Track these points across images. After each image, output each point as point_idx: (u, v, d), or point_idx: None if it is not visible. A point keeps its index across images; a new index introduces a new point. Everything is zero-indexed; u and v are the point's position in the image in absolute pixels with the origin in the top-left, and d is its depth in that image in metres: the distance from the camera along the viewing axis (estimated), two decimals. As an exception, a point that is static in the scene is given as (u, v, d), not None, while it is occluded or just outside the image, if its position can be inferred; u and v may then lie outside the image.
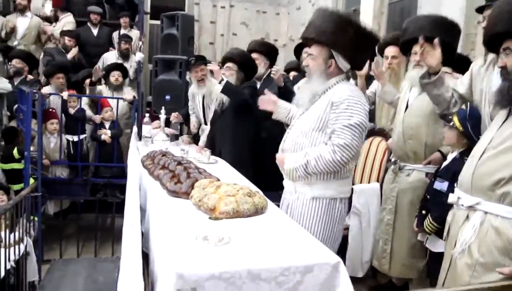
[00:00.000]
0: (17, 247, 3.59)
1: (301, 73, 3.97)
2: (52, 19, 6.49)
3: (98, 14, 6.22)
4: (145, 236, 2.20)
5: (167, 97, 5.09)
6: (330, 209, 2.25)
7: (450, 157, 2.50)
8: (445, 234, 2.14)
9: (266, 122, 3.57)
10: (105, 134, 4.96)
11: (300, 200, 2.28)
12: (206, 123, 3.96)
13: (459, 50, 3.44)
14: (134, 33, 6.31)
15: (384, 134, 3.39)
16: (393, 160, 3.03)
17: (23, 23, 6.07)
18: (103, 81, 5.39)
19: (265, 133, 3.58)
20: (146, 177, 2.69)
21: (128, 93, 5.35)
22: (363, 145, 3.44)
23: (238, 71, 3.64)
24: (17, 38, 6.00)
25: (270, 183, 2.57)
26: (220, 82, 3.39)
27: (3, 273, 3.30)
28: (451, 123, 2.43)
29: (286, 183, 2.39)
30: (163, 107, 4.11)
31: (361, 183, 3.41)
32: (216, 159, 3.33)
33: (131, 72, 5.74)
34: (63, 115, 4.89)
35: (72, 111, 4.90)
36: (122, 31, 6.25)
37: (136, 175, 2.64)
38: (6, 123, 5.18)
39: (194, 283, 1.38)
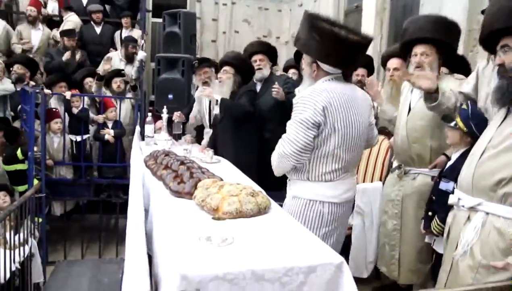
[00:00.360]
0: (21, 248, 3.60)
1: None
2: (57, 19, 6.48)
3: (99, 12, 6.19)
4: (148, 237, 2.20)
5: (170, 96, 5.08)
6: (307, 210, 2.25)
7: (454, 157, 2.48)
8: (445, 235, 2.13)
9: (270, 123, 3.58)
10: (108, 134, 4.97)
11: (288, 197, 2.38)
12: (210, 127, 3.96)
13: (461, 47, 3.44)
14: (136, 33, 6.30)
15: (386, 132, 3.36)
16: (397, 164, 2.99)
17: (36, 37, 6.07)
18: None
19: (269, 134, 3.57)
20: (149, 177, 2.69)
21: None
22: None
23: (235, 75, 3.64)
24: (32, 52, 6.01)
25: (273, 182, 2.57)
26: (216, 104, 3.43)
27: (8, 275, 3.31)
28: (453, 124, 2.39)
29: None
30: (165, 107, 4.11)
31: (364, 182, 3.39)
32: (219, 158, 3.32)
33: (133, 72, 5.73)
34: (66, 115, 4.91)
35: (75, 111, 4.91)
36: (124, 31, 6.23)
37: (139, 175, 2.64)
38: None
39: (198, 284, 1.38)
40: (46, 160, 4.56)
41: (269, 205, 2.05)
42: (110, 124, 5.08)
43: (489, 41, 1.98)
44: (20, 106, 5.02)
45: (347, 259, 2.62)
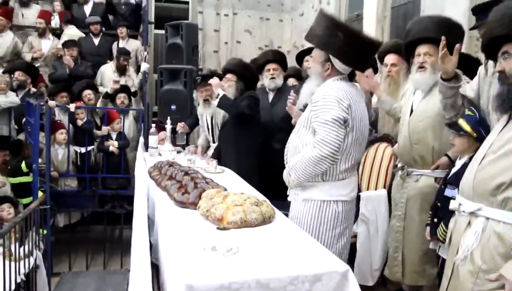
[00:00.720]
0: (27, 260, 3.61)
1: (301, 81, 3.94)
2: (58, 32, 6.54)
3: (97, 24, 6.22)
4: (154, 247, 2.21)
5: (173, 107, 5.11)
6: (323, 211, 2.26)
7: (459, 163, 2.47)
8: (447, 241, 2.12)
9: (280, 134, 3.57)
10: (113, 146, 4.99)
11: (296, 202, 2.35)
12: (214, 141, 3.97)
13: (463, 51, 3.44)
14: (134, 43, 6.32)
15: (390, 139, 3.37)
16: (399, 165, 3.00)
17: (46, 46, 6.15)
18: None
19: (279, 145, 3.56)
20: (154, 188, 2.70)
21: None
22: (368, 151, 3.46)
23: (237, 82, 3.65)
24: (39, 60, 6.07)
25: (277, 191, 2.57)
26: (217, 97, 3.41)
27: (13, 287, 3.31)
28: (460, 130, 2.39)
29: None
30: (169, 117, 4.13)
31: (368, 189, 3.39)
32: (223, 168, 3.33)
33: (129, 84, 5.75)
34: (71, 126, 4.94)
35: (80, 123, 4.94)
36: (121, 42, 6.23)
37: (144, 186, 2.65)
38: (14, 137, 5.23)
39: (204, 294, 1.38)
40: (50, 172, 4.58)
41: (273, 214, 2.06)
42: (114, 136, 5.10)
43: (491, 48, 2.00)
44: (24, 119, 5.06)
45: (352, 266, 2.61)
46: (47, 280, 4.02)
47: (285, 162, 2.42)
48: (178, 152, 4.07)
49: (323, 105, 2.15)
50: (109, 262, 4.75)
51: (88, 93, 5.29)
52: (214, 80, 3.53)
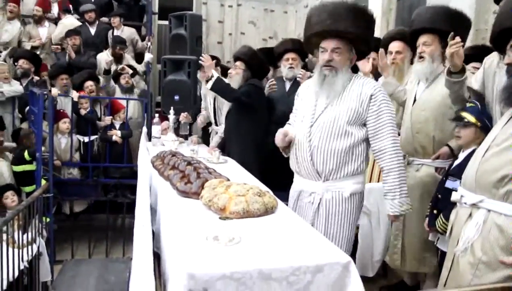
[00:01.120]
0: (30, 247, 3.63)
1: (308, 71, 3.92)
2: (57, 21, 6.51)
3: (91, 12, 6.15)
4: (156, 236, 2.22)
5: (176, 97, 5.10)
6: (350, 203, 2.30)
7: (462, 155, 2.47)
8: (447, 232, 2.13)
9: (270, 125, 3.55)
10: (116, 135, 4.99)
11: (336, 198, 2.29)
12: (217, 124, 3.96)
13: (469, 44, 3.42)
14: (129, 31, 6.26)
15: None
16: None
17: (43, 33, 6.13)
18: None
19: (269, 137, 3.55)
20: (156, 177, 2.70)
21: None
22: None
23: (245, 70, 3.63)
24: (39, 49, 6.05)
25: (280, 182, 2.57)
26: (210, 78, 3.35)
27: (16, 274, 3.34)
28: (465, 121, 2.39)
29: (309, 183, 2.33)
30: (172, 108, 4.13)
31: (370, 182, 3.39)
32: (225, 158, 3.33)
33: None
34: (74, 116, 4.94)
35: (83, 112, 4.94)
36: (116, 30, 6.16)
37: (146, 175, 2.65)
38: (17, 125, 5.24)
39: (205, 283, 1.39)
40: (54, 161, 4.59)
41: (276, 205, 2.06)
42: (117, 125, 5.11)
43: (499, 40, 1.99)
44: (28, 107, 5.06)
45: (353, 258, 2.62)
46: (49, 267, 4.05)
47: (308, 163, 2.29)
48: (181, 143, 4.08)
49: (387, 105, 2.24)
50: (111, 250, 4.78)
51: (90, 84, 5.24)
52: (207, 61, 3.48)
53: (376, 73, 3.39)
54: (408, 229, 2.88)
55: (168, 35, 5.74)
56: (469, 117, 2.35)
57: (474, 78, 2.46)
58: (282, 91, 3.80)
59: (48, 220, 4.36)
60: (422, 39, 2.72)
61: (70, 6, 6.48)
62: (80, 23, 6.22)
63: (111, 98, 5.20)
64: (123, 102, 5.20)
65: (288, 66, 3.77)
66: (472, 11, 3.71)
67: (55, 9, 6.54)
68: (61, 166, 4.88)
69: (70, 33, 5.79)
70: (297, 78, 3.59)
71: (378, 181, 3.35)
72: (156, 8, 7.11)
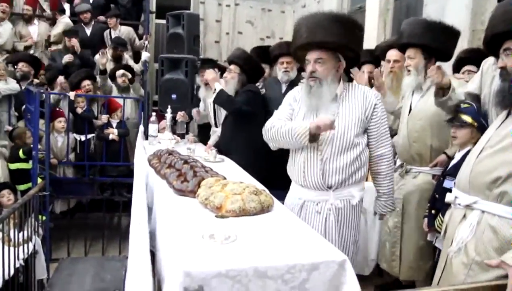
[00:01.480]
0: (25, 245, 3.63)
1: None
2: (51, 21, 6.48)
3: (87, 12, 6.14)
4: (152, 235, 2.21)
5: (173, 96, 5.11)
6: (357, 211, 2.33)
7: (458, 155, 2.49)
8: (442, 233, 2.14)
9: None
10: (113, 134, 4.99)
11: (347, 206, 2.26)
12: (216, 126, 3.96)
13: (465, 46, 3.44)
14: (126, 30, 6.26)
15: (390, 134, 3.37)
16: (399, 163, 3.01)
17: (34, 32, 6.11)
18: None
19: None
20: (153, 176, 2.70)
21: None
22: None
23: (240, 74, 3.62)
24: (32, 48, 6.04)
25: (276, 181, 2.57)
26: (214, 91, 3.38)
27: (12, 272, 3.34)
28: (462, 122, 2.41)
29: (314, 193, 2.28)
30: (169, 106, 4.13)
31: (366, 181, 3.39)
32: (222, 157, 3.33)
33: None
34: (70, 115, 4.93)
35: (80, 111, 4.94)
36: (113, 32, 6.16)
37: (143, 173, 2.65)
38: (14, 124, 5.23)
39: (201, 281, 1.39)
40: (50, 159, 4.58)
41: (272, 203, 2.06)
42: (114, 124, 5.10)
43: (493, 44, 2.00)
44: (24, 106, 5.05)
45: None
46: (45, 265, 4.05)
47: (318, 176, 2.24)
48: (177, 142, 4.08)
49: (383, 113, 2.28)
50: (107, 248, 4.79)
51: (87, 83, 5.24)
52: (210, 74, 3.49)
53: (371, 86, 3.41)
54: (406, 236, 2.89)
55: (165, 34, 5.76)
56: (465, 118, 2.37)
57: (471, 81, 2.49)
58: (278, 93, 3.79)
59: (44, 218, 4.35)
60: (408, 52, 2.80)
61: (66, 5, 6.47)
62: (72, 24, 6.21)
63: (107, 97, 5.20)
64: (120, 101, 5.19)
65: (283, 70, 3.76)
66: (468, 12, 3.73)
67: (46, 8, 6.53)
68: (57, 165, 4.87)
69: (69, 33, 5.78)
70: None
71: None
72: (153, 7, 7.12)
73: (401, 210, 2.89)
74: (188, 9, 7.18)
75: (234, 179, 2.33)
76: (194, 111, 4.10)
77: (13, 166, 4.52)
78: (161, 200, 2.23)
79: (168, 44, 5.58)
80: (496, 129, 1.87)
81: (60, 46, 6.02)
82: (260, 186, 2.30)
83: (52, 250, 4.53)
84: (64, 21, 6.17)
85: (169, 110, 4.06)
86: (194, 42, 5.60)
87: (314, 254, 1.56)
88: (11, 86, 5.07)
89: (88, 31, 6.19)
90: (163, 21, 6.16)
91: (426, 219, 2.61)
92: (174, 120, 4.17)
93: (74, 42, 5.68)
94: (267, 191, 2.19)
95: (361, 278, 1.63)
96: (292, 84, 3.78)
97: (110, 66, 5.58)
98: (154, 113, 4.19)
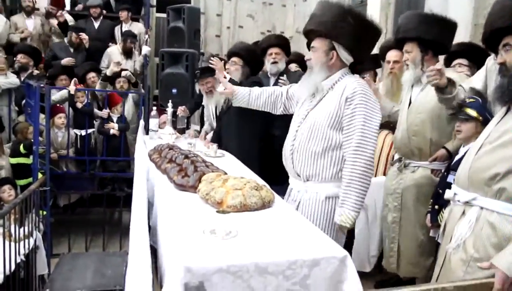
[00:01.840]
0: (26, 241, 3.63)
1: (302, 66, 3.90)
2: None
3: (97, 7, 6.16)
4: (152, 230, 2.21)
5: (174, 90, 5.10)
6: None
7: (463, 151, 2.48)
8: (441, 230, 2.14)
9: (280, 120, 3.54)
10: (113, 128, 4.98)
11: (313, 199, 2.25)
12: None
13: (467, 41, 3.42)
14: (137, 26, 6.27)
15: (391, 127, 3.36)
16: (397, 157, 3.00)
17: (30, 25, 6.09)
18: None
19: (279, 131, 3.54)
20: (154, 171, 2.69)
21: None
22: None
23: (243, 66, 3.61)
24: (28, 40, 6.00)
25: (277, 176, 2.56)
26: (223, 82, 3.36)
27: (13, 267, 3.34)
28: (466, 116, 2.40)
29: (294, 181, 2.36)
30: (170, 101, 4.11)
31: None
32: (223, 152, 3.33)
33: (137, 67, 5.72)
34: (70, 109, 4.92)
35: (80, 105, 4.92)
36: (124, 26, 6.18)
37: (144, 168, 2.64)
38: (14, 118, 5.22)
39: (202, 276, 1.38)
40: (50, 154, 4.58)
41: (273, 199, 2.06)
42: (115, 118, 5.09)
43: (492, 40, 1.99)
44: (24, 100, 5.04)
45: (350, 253, 2.63)
46: (46, 261, 4.05)
47: (291, 163, 2.31)
48: (178, 137, 4.07)
49: (363, 108, 2.10)
50: (108, 244, 4.79)
51: (92, 76, 5.26)
52: (217, 64, 3.46)
53: None
54: (405, 231, 2.88)
55: (166, 28, 5.74)
56: (470, 112, 2.36)
57: (476, 77, 2.47)
58: (267, 86, 3.79)
59: (44, 213, 4.35)
60: (405, 47, 2.78)
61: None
62: (73, 20, 6.20)
63: (108, 92, 5.18)
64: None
65: (271, 61, 3.73)
66: (470, 7, 3.71)
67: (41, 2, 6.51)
68: (58, 159, 4.87)
69: (77, 29, 5.77)
70: (279, 83, 3.53)
71: (375, 176, 3.35)
72: (154, 1, 7.09)
73: (400, 205, 2.88)
74: (188, 3, 7.15)
75: (235, 174, 2.32)
76: (205, 143, 4.07)
77: (14, 161, 4.51)
78: (162, 195, 2.23)
79: (169, 38, 5.57)
80: (495, 125, 1.87)
81: (57, 40, 6.02)
82: (261, 181, 2.29)
83: (53, 246, 4.53)
84: (69, 18, 6.17)
85: (169, 104, 4.05)
86: (195, 36, 5.59)
87: (315, 250, 1.56)
88: (11, 80, 5.06)
89: (96, 25, 6.20)
90: (164, 15, 6.14)
91: (429, 215, 2.60)
92: (174, 114, 4.16)
93: (84, 37, 5.68)
94: (268, 186, 2.18)
95: (361, 274, 1.62)
96: (280, 76, 3.78)
97: (120, 59, 5.58)
98: (154, 108, 4.18)
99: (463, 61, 3.12)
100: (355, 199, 2.10)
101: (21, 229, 3.59)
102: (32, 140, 4.43)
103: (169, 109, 4.02)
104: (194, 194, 2.15)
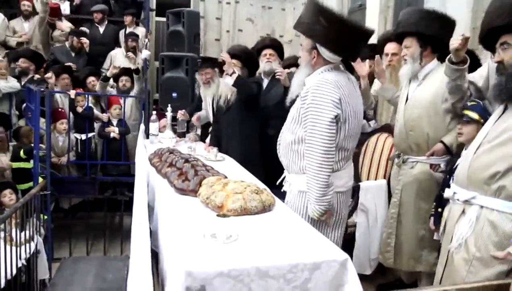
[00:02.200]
0: (27, 245, 3.63)
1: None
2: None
3: (100, 12, 6.19)
4: (153, 234, 2.22)
5: (174, 94, 5.10)
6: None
7: (465, 153, 2.49)
8: (441, 229, 2.14)
9: (274, 120, 3.56)
10: (113, 132, 4.99)
11: (291, 192, 2.34)
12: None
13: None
14: (140, 31, 6.30)
15: (391, 130, 3.37)
16: (396, 153, 3.02)
17: (27, 27, 6.09)
18: (112, 81, 5.40)
19: (273, 131, 3.56)
20: (154, 175, 2.70)
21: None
22: (369, 142, 3.46)
23: (242, 68, 3.64)
24: (25, 44, 6.01)
25: (278, 180, 2.57)
26: (231, 75, 3.37)
27: (14, 271, 3.33)
28: (467, 119, 2.40)
29: (286, 173, 2.45)
30: (169, 105, 4.12)
31: (368, 179, 3.40)
32: (223, 156, 3.33)
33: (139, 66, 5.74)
34: (71, 114, 4.93)
35: (80, 110, 4.93)
36: (128, 29, 6.23)
37: (144, 172, 2.65)
38: (15, 122, 5.22)
39: (203, 280, 1.39)
40: (51, 158, 4.58)
41: (273, 202, 2.06)
42: (115, 122, 5.10)
43: (489, 39, 2.00)
44: (24, 104, 5.05)
45: (351, 256, 2.63)
46: (47, 265, 4.05)
47: (278, 155, 2.43)
48: (178, 141, 4.08)
49: (313, 103, 2.12)
50: (109, 248, 4.78)
51: (92, 80, 5.28)
52: (227, 58, 3.45)
53: (371, 80, 3.41)
54: (404, 226, 2.88)
55: (165, 32, 5.75)
56: (472, 114, 2.36)
57: (478, 74, 2.47)
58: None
59: (45, 217, 4.35)
60: (404, 42, 2.78)
61: (66, 4, 6.47)
62: (72, 26, 6.22)
63: (107, 96, 5.19)
64: (121, 102, 5.18)
65: (265, 61, 3.81)
66: (469, 10, 3.72)
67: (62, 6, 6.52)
68: (60, 164, 4.88)
69: (75, 33, 5.80)
70: (276, 76, 3.59)
71: (375, 179, 3.36)
72: (153, 5, 7.11)
73: (399, 200, 2.88)
74: (188, 7, 7.17)
75: (235, 178, 2.33)
76: (194, 119, 4.10)
77: (14, 165, 4.51)
78: (163, 199, 2.23)
79: (169, 42, 5.58)
80: (493, 124, 1.87)
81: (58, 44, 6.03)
82: (262, 185, 2.30)
83: (54, 250, 4.52)
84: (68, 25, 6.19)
85: (169, 108, 4.06)
86: (195, 40, 5.59)
87: (316, 253, 1.56)
88: (11, 84, 5.06)
89: (101, 30, 6.24)
90: (163, 19, 6.16)
91: (432, 218, 2.60)
92: (174, 119, 4.17)
93: (85, 41, 5.72)
94: (269, 190, 2.19)
95: (363, 277, 1.63)
96: (274, 78, 3.81)
97: (125, 62, 5.63)
98: (154, 112, 4.19)
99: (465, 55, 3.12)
100: (317, 192, 2.12)
101: (22, 233, 3.59)
102: (32, 144, 4.44)
103: (169, 113, 4.03)
104: (195, 198, 2.15)
